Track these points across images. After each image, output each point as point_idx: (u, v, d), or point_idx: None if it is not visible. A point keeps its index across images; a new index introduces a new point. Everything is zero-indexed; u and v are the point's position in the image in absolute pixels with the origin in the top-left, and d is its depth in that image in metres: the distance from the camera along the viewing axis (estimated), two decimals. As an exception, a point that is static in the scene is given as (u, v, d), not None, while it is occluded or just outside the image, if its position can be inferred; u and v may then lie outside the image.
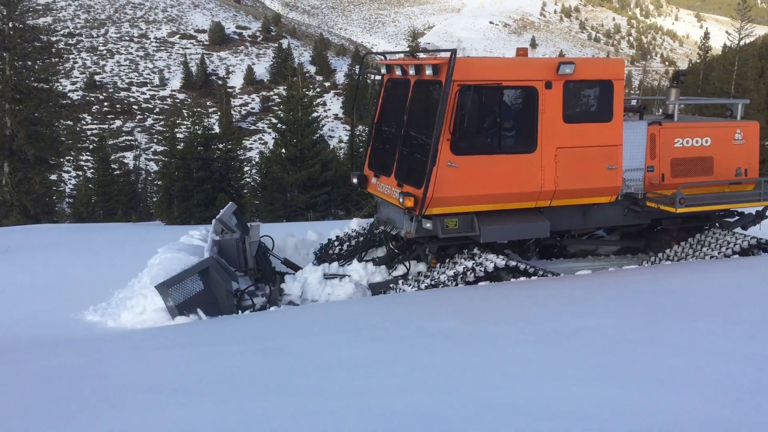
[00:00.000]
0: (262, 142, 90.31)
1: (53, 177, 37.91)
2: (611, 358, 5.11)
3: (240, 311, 8.79)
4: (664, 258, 10.73)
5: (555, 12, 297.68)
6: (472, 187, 9.32)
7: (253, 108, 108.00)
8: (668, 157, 10.67)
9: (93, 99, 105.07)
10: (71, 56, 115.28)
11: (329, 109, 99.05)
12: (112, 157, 49.88)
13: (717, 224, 11.27)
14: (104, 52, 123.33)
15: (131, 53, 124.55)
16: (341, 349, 5.81)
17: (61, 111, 35.51)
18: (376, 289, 9.76)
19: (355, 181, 10.90)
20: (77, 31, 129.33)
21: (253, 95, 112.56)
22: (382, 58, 11.14)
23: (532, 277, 9.40)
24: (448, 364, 5.18)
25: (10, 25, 33.85)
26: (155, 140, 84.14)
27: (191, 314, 8.14)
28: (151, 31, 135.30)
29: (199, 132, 33.42)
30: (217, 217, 10.50)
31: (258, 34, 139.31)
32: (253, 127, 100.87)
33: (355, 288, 9.60)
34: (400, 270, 10.25)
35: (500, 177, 9.46)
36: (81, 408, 4.56)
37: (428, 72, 9.21)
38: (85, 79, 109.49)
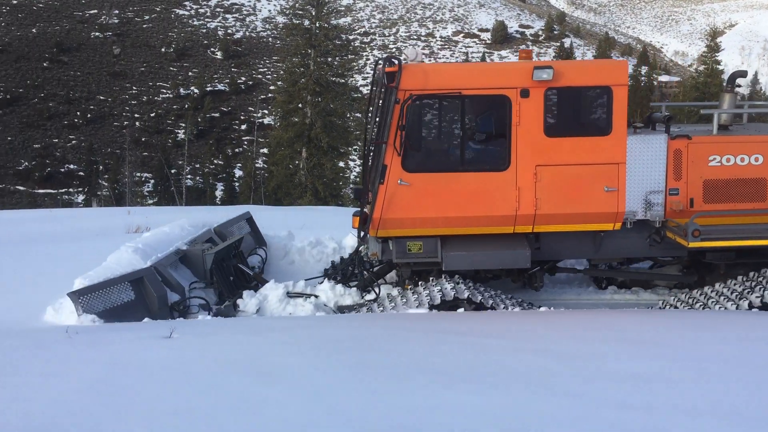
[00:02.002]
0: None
1: (341, 164, 41.31)
2: None
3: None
4: (685, 299, 8.49)
5: None
6: (430, 208, 8.21)
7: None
8: (699, 178, 8.49)
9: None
10: (365, 53, 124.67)
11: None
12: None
13: None
14: (394, 50, 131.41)
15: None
16: (623, 360, 5.51)
17: (352, 104, 38.57)
18: (345, 312, 8.87)
19: (352, 196, 9.88)
20: (372, 30, 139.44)
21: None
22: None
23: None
24: (734, 391, 4.63)
25: (317, 24, 37.49)
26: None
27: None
28: (438, 30, 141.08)
29: (476, 129, 34.05)
30: (214, 226, 10.27)
31: (540, 32, 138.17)
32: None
33: (316, 310, 8.74)
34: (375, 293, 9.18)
35: (464, 198, 8.21)
36: (372, 379, 4.89)
37: (385, 81, 8.18)
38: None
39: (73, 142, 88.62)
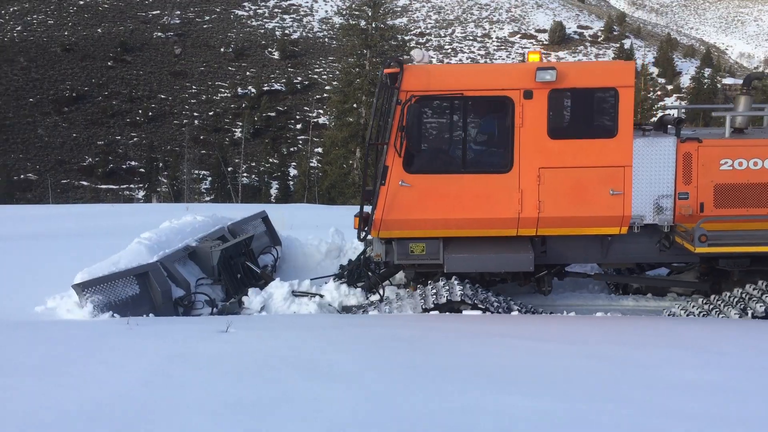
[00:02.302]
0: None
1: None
2: None
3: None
4: (694, 307, 8.23)
5: None
6: (430, 209, 8.18)
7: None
8: (710, 182, 8.26)
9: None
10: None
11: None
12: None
13: None
14: (449, 50, 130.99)
15: (473, 52, 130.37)
16: (684, 369, 5.38)
17: (406, 104, 38.67)
18: (349, 312, 8.89)
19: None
20: (427, 31, 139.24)
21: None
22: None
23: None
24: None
25: (373, 25, 37.63)
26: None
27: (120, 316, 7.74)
28: (494, 31, 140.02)
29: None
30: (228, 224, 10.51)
31: (599, 33, 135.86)
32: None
33: (320, 310, 8.76)
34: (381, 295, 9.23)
35: (466, 200, 8.16)
36: (426, 380, 4.90)
37: (389, 82, 8.20)
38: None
39: (135, 139, 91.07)
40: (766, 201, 8.29)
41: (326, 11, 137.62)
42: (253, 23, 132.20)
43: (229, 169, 66.26)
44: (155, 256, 8.64)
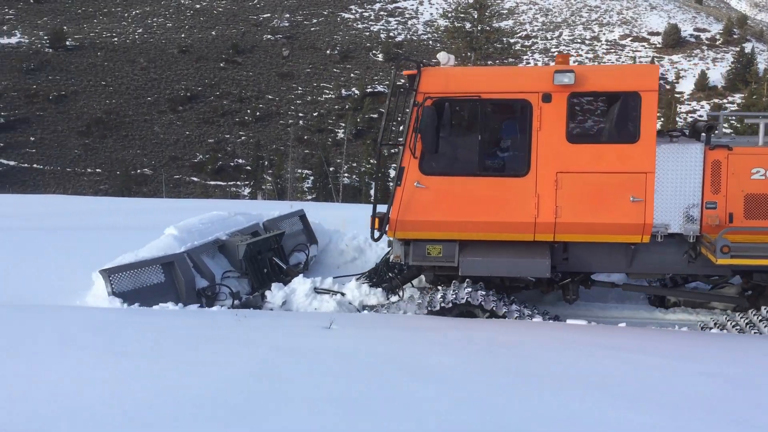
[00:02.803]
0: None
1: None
2: None
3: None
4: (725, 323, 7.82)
5: None
6: (445, 211, 8.13)
7: (701, 115, 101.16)
8: (740, 191, 7.90)
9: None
10: (525, 57, 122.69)
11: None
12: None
13: None
14: (555, 53, 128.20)
15: (581, 55, 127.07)
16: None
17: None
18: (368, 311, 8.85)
19: None
20: (534, 34, 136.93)
21: (703, 102, 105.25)
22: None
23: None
24: None
25: (479, 27, 37.41)
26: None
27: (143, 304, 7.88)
28: (603, 34, 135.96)
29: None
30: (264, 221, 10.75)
31: (718, 36, 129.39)
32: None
33: (338, 308, 8.75)
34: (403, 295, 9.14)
35: (481, 203, 8.08)
36: (528, 388, 4.85)
37: (407, 84, 8.11)
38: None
39: (243, 138, 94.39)
40: None
41: (431, 14, 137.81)
42: (359, 26, 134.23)
43: (331, 168, 67.54)
44: (183, 247, 8.92)
